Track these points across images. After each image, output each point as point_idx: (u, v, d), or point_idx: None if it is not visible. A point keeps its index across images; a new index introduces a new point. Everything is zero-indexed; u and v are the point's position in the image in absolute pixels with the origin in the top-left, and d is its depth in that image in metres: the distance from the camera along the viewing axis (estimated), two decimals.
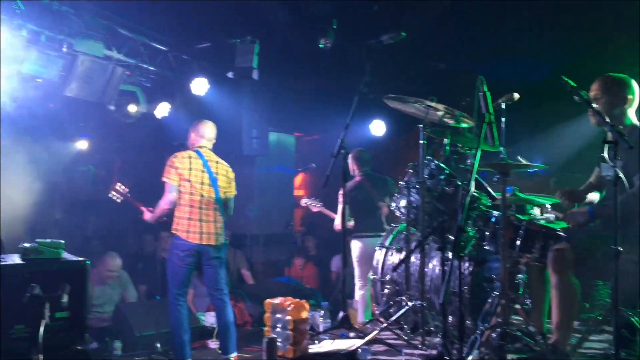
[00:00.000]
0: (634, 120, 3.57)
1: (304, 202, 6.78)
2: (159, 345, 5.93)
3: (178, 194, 5.04)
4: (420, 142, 4.19)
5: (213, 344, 6.13)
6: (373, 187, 6.25)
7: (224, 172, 5.31)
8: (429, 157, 4.17)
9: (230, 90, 7.83)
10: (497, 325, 3.41)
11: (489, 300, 3.73)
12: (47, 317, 2.28)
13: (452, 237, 3.73)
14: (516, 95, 3.93)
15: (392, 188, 5.99)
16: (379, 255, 4.80)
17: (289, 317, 3.87)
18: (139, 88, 7.53)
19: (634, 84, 3.60)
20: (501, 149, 3.70)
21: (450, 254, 3.74)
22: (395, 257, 4.61)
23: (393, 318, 4.06)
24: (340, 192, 5.42)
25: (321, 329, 4.30)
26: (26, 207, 8.16)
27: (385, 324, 4.08)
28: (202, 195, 5.07)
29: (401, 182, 4.27)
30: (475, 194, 3.91)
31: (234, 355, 5.19)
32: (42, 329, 2.22)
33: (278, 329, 3.93)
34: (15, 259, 2.60)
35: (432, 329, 3.93)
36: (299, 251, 8.68)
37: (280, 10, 6.45)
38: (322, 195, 6.96)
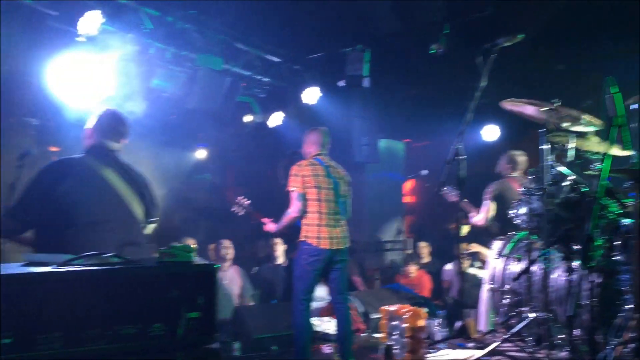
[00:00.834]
0: None
1: (443, 190, 6.54)
2: (275, 347, 6.09)
3: (305, 202, 5.15)
4: (542, 147, 4.02)
5: (327, 348, 6.20)
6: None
7: (342, 176, 5.39)
8: (551, 163, 3.99)
9: (340, 99, 7.95)
10: (631, 340, 3.20)
11: (621, 314, 3.50)
12: (185, 317, 2.41)
13: (577, 247, 3.56)
14: None
15: None
16: (496, 263, 4.64)
17: (406, 325, 3.85)
18: (254, 99, 7.84)
19: None
20: (633, 153, 3.47)
21: (575, 264, 3.56)
22: (515, 266, 4.45)
23: (515, 330, 3.91)
24: (488, 189, 5.29)
25: (438, 338, 4.24)
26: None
27: (506, 336, 3.94)
28: (327, 201, 5.16)
29: (521, 189, 4.12)
30: (603, 201, 3.69)
31: None
32: (181, 329, 2.36)
33: (395, 336, 3.91)
34: (153, 262, 2.76)
35: (558, 342, 3.74)
36: (411, 258, 8.59)
37: (391, 17, 6.47)
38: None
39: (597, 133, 4.07)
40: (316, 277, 5.16)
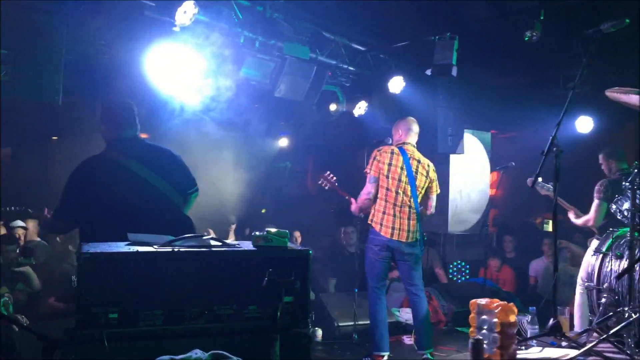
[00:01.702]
0: None
1: (537, 184, 6.23)
2: (356, 336, 6.11)
3: (377, 186, 5.14)
4: None
5: (408, 339, 6.16)
6: None
7: (424, 171, 5.29)
8: None
9: (425, 88, 7.82)
10: None
11: None
12: (283, 300, 2.45)
13: None
14: None
15: None
16: (593, 261, 4.45)
17: (496, 320, 3.75)
18: (339, 88, 7.84)
19: None
20: None
21: None
22: (614, 264, 4.24)
23: (614, 330, 3.73)
24: (598, 187, 5.09)
25: (529, 334, 4.11)
26: (234, 197, 8.94)
27: (604, 336, 3.77)
28: (397, 192, 5.12)
29: (625, 183, 3.91)
30: None
31: (430, 351, 5.17)
32: (279, 312, 2.40)
33: (484, 331, 3.82)
34: (249, 246, 2.82)
35: None
36: (495, 252, 8.38)
37: (482, 4, 6.28)
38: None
39: None
40: (384, 265, 5.16)
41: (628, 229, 3.97)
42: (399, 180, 5.14)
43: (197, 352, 2.39)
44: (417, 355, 5.27)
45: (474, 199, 9.17)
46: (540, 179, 5.47)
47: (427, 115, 7.89)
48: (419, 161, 5.28)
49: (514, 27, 6.37)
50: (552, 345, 3.96)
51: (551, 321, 3.98)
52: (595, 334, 4.02)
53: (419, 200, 5.25)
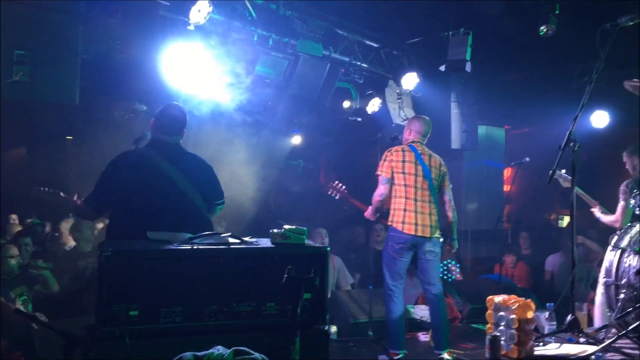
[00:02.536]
0: None
1: (557, 174, 6.08)
2: (371, 333, 6.11)
3: (393, 186, 5.13)
4: None
5: (423, 336, 6.15)
6: None
7: (437, 165, 5.29)
8: None
9: (439, 84, 7.80)
10: None
11: None
12: (303, 297, 2.46)
13: None
14: None
15: None
16: (612, 256, 4.41)
17: (513, 316, 3.74)
18: (352, 85, 7.83)
19: None
20: None
21: None
22: (633, 260, 4.21)
23: (633, 326, 3.71)
24: (623, 188, 5.03)
25: (546, 331, 4.09)
26: (247, 195, 8.97)
27: (622, 332, 3.74)
28: (416, 187, 5.10)
29: None
30: None
31: (447, 351, 5.15)
32: (299, 309, 2.41)
33: (501, 327, 3.81)
34: (267, 243, 2.84)
35: None
36: (510, 248, 8.33)
37: None
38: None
39: None
40: (405, 264, 5.13)
41: None
42: (416, 175, 5.13)
43: (219, 349, 2.40)
44: (433, 353, 5.26)
45: (488, 195, 9.16)
46: (563, 171, 5.41)
47: (441, 111, 7.89)
48: (430, 155, 5.28)
49: (528, 22, 6.34)
50: (570, 341, 3.94)
51: (569, 317, 3.96)
52: (613, 330, 3.99)
53: (437, 194, 5.25)
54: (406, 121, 5.56)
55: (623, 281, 4.21)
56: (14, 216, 8.08)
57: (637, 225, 4.39)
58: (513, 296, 3.90)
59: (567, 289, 4.09)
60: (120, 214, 3.68)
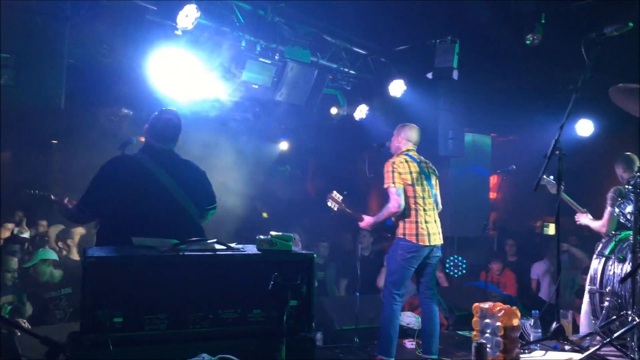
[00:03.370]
0: None
1: (544, 180, 5.99)
2: (357, 339, 6.10)
3: (405, 198, 5.09)
4: None
5: (409, 343, 6.14)
6: None
7: (433, 170, 5.35)
8: None
9: (426, 91, 7.84)
10: None
11: None
12: (288, 304, 2.45)
13: None
14: None
15: None
16: (596, 264, 4.45)
17: (499, 323, 3.74)
18: (340, 91, 7.85)
19: None
20: None
21: None
22: (617, 268, 4.24)
23: (617, 334, 3.73)
24: (610, 195, 5.06)
25: (532, 338, 4.10)
26: (233, 200, 8.93)
27: (607, 340, 3.76)
28: (423, 197, 5.13)
29: (628, 186, 3.91)
30: None
31: (435, 357, 5.16)
32: (285, 315, 2.39)
33: (487, 335, 3.81)
34: (253, 249, 2.82)
35: None
36: (496, 256, 8.37)
37: (483, 7, 6.29)
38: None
39: None
40: (412, 273, 5.15)
41: (631, 232, 3.97)
42: (421, 184, 5.15)
43: (204, 357, 2.38)
44: (421, 359, 5.27)
45: (474, 202, 9.19)
46: (551, 177, 5.43)
47: (428, 118, 7.92)
48: (426, 162, 5.32)
49: (515, 31, 6.40)
50: (555, 349, 3.95)
51: (554, 325, 3.97)
52: (598, 338, 4.02)
53: (436, 201, 5.30)
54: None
55: (607, 289, 4.24)
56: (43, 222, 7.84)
57: (622, 233, 4.43)
58: (499, 303, 3.90)
59: (551, 296, 4.11)
60: (110, 220, 3.65)
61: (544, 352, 3.90)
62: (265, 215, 10.77)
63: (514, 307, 3.83)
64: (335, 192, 5.84)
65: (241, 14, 6.11)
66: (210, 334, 2.65)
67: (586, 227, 5.60)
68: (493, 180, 10.57)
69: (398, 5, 6.41)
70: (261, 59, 6.37)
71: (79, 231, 6.91)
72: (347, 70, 7.42)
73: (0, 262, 5.70)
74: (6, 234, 7.12)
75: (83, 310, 2.46)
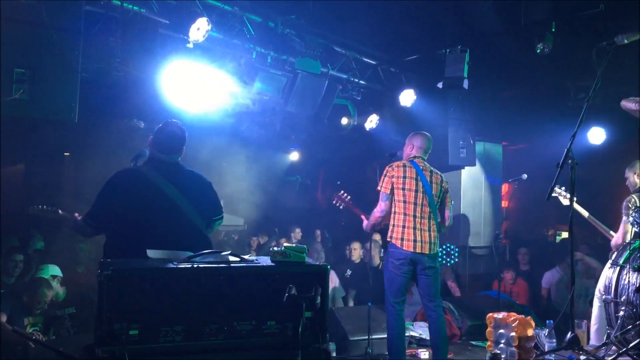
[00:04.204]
0: None
1: (557, 191, 5.93)
2: (370, 350, 6.07)
3: (393, 202, 5.13)
4: None
5: (422, 354, 6.12)
6: None
7: (438, 181, 5.29)
8: None
9: (436, 101, 7.84)
10: None
11: None
12: (304, 316, 2.45)
13: None
14: None
15: None
16: (610, 273, 4.41)
17: (513, 334, 3.73)
18: (350, 102, 7.87)
19: None
20: None
21: None
22: (632, 277, 4.21)
23: (633, 344, 3.70)
24: (625, 203, 5.01)
25: (546, 348, 4.07)
26: (245, 210, 8.97)
27: (623, 349, 3.73)
28: (416, 204, 5.10)
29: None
30: None
31: None
32: (300, 327, 2.40)
33: (501, 345, 3.81)
34: (267, 261, 2.83)
35: None
36: (509, 265, 8.32)
37: (493, 17, 6.31)
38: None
39: None
40: (405, 280, 5.10)
41: None
42: (416, 191, 5.12)
43: None
44: None
45: (486, 211, 9.17)
46: (563, 188, 5.40)
47: (439, 127, 7.93)
48: (431, 171, 5.28)
49: (525, 40, 6.40)
50: (570, 359, 3.92)
51: (569, 335, 3.94)
52: (614, 348, 3.98)
53: (437, 211, 5.25)
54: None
55: (622, 298, 4.21)
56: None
57: (636, 242, 4.40)
58: (513, 313, 3.90)
59: (566, 305, 4.08)
60: (117, 233, 3.66)
61: None
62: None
63: (529, 317, 3.83)
64: (342, 191, 5.98)
65: (252, 26, 6.16)
66: (225, 346, 2.65)
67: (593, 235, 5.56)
68: (505, 189, 10.53)
69: (408, 16, 6.45)
70: (272, 71, 6.41)
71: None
72: (357, 80, 7.45)
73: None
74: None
75: (99, 323, 2.48)
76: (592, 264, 7.46)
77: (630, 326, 3.99)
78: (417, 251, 5.05)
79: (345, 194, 5.89)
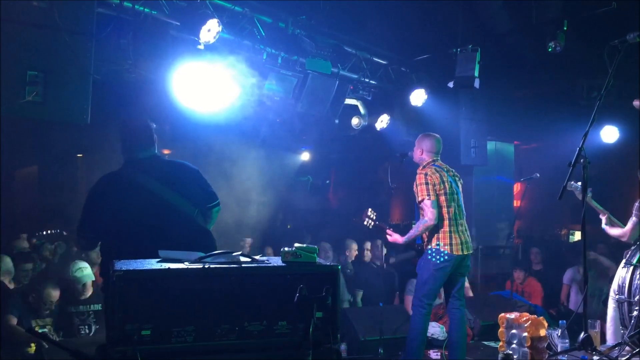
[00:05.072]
0: None
1: (570, 185, 5.91)
2: (381, 350, 6.07)
3: (439, 209, 5.08)
4: None
5: (434, 354, 6.11)
6: None
7: (459, 178, 5.38)
8: None
9: (447, 100, 7.82)
10: None
11: None
12: (315, 316, 2.45)
13: None
14: None
15: None
16: (623, 273, 4.38)
17: (526, 334, 3.71)
18: (361, 102, 7.87)
19: None
20: None
21: None
22: None
23: None
24: (637, 204, 4.97)
25: (559, 349, 4.04)
26: (256, 211, 8.97)
27: (636, 350, 3.70)
28: (455, 207, 5.13)
29: None
30: None
31: None
32: (311, 328, 2.40)
33: (514, 345, 3.78)
34: (278, 261, 2.84)
35: None
36: (520, 264, 8.27)
37: (504, 15, 6.28)
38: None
39: None
40: (443, 282, 5.13)
41: None
42: (452, 194, 5.16)
43: None
44: None
45: (497, 211, 9.13)
46: (579, 183, 5.34)
47: (450, 127, 7.91)
48: (452, 170, 5.35)
49: (537, 38, 6.37)
50: (583, 359, 3.89)
51: (582, 335, 3.91)
52: (627, 348, 3.95)
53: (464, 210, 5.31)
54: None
55: (636, 298, 4.17)
56: None
57: None
58: (525, 314, 3.87)
59: (579, 305, 4.05)
60: (110, 238, 3.55)
61: None
62: (289, 226, 10.80)
63: (541, 317, 3.81)
64: (370, 209, 5.74)
65: (262, 27, 6.18)
66: (236, 346, 2.66)
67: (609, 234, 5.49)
68: (517, 188, 10.49)
69: (418, 15, 6.44)
70: (282, 71, 6.42)
71: None
72: (367, 80, 7.45)
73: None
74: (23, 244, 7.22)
75: (111, 323, 2.49)
76: (605, 263, 7.40)
77: None
78: (465, 253, 5.10)
79: (373, 212, 5.72)
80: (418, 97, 7.50)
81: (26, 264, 6.09)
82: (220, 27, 5.46)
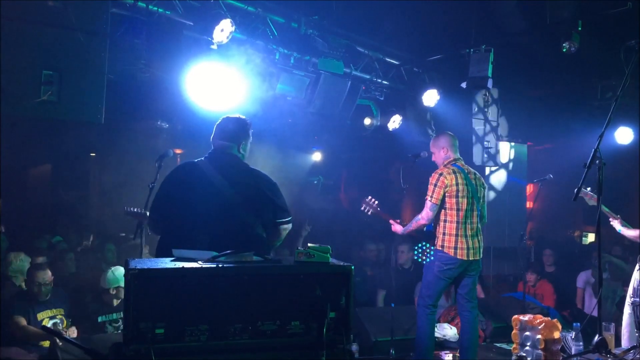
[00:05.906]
0: None
1: (583, 191, 5.89)
2: (393, 351, 6.05)
3: (443, 210, 5.03)
4: None
5: (446, 356, 6.08)
6: None
7: (481, 183, 5.22)
8: None
9: (460, 101, 7.79)
10: None
11: None
12: (328, 316, 2.45)
13: None
14: None
15: None
16: (638, 276, 4.34)
17: (539, 336, 3.68)
18: (373, 102, 7.86)
19: None
20: None
21: None
22: None
23: None
24: None
25: (573, 352, 4.01)
26: None
27: None
28: (467, 210, 5.02)
29: None
30: None
31: None
32: (325, 328, 2.40)
33: (527, 348, 3.75)
34: (291, 261, 2.84)
35: None
36: (532, 266, 8.22)
37: (518, 16, 6.25)
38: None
39: None
40: (447, 285, 5.12)
41: None
42: (467, 197, 5.03)
43: None
44: None
45: (510, 211, 9.08)
46: (589, 189, 5.30)
47: (463, 128, 7.86)
48: (474, 174, 5.20)
49: (551, 39, 6.32)
50: None
51: (596, 338, 3.87)
52: None
53: (481, 214, 5.18)
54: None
55: None
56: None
57: None
58: (539, 316, 3.84)
59: (593, 308, 4.02)
60: (169, 226, 3.58)
61: None
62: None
63: (555, 320, 3.78)
64: (370, 197, 5.80)
65: (275, 27, 6.19)
66: (249, 346, 2.66)
67: (624, 236, 5.46)
68: (529, 189, 10.41)
69: (431, 15, 6.42)
70: (295, 71, 6.43)
71: None
72: (380, 80, 7.44)
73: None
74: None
75: (126, 322, 2.50)
76: (620, 265, 7.34)
77: None
78: (470, 259, 5.02)
79: (373, 200, 5.77)
80: (430, 98, 7.47)
81: (41, 271, 5.90)
82: (233, 27, 5.47)
